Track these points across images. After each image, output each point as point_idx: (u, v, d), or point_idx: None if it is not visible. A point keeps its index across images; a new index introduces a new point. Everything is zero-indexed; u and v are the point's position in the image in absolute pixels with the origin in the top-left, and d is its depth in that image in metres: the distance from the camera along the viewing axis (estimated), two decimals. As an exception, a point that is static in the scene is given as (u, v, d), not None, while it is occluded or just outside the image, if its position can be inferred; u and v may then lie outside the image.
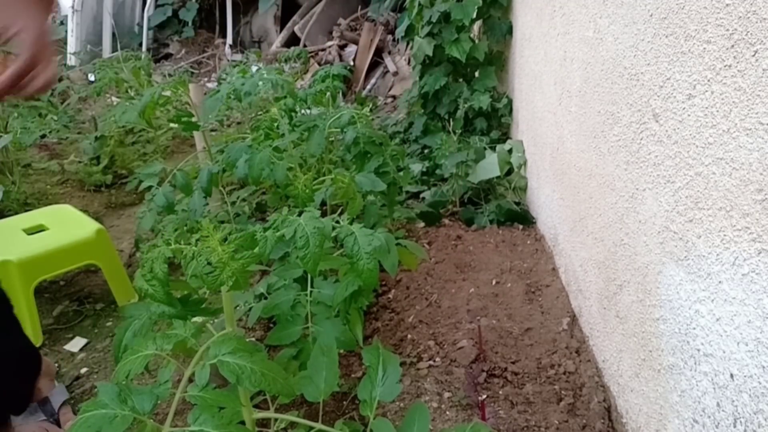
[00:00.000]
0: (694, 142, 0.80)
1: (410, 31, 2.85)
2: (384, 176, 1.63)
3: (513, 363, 1.29)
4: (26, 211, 2.02)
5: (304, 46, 4.73)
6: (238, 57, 5.26)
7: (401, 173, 1.75)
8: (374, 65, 4.21)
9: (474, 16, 2.54)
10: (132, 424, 0.70)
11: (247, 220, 1.99)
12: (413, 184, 2.29)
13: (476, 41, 2.64)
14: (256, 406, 1.10)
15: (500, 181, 2.19)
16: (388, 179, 1.64)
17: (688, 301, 0.82)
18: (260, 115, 2.74)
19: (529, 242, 1.86)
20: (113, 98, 3.87)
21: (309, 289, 1.16)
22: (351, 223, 0.91)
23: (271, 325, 1.39)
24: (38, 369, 1.24)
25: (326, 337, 1.02)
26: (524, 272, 1.68)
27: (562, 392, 1.21)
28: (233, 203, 2.06)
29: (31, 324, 1.58)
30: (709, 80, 0.76)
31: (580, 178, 1.40)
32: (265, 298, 1.19)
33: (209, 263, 0.77)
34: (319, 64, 4.40)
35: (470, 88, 2.66)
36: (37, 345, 1.59)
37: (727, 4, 0.71)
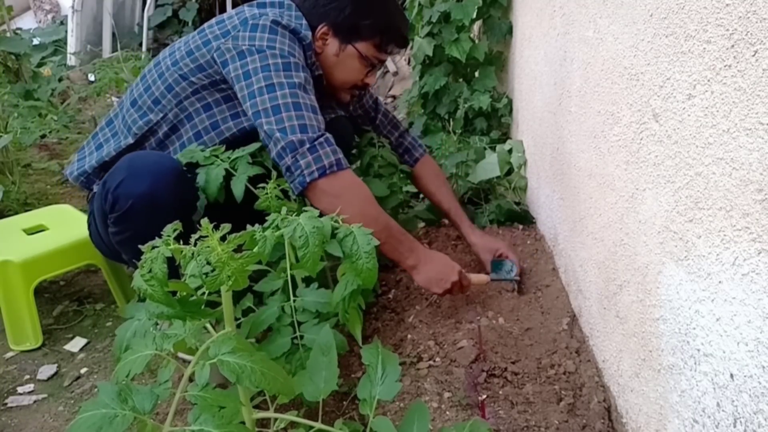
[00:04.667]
0: (694, 142, 0.80)
1: (410, 31, 2.85)
2: (392, 196, 1.68)
3: (513, 363, 1.29)
4: (26, 211, 2.02)
5: (304, 46, 4.72)
6: (238, 57, 5.25)
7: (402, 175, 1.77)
8: (374, 65, 4.20)
9: (474, 16, 2.54)
10: (132, 424, 0.70)
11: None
12: (404, 180, 2.28)
13: (476, 41, 2.64)
14: (255, 407, 1.10)
15: (500, 181, 2.18)
16: (396, 200, 1.71)
17: (688, 301, 0.82)
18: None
19: (529, 242, 1.86)
20: (113, 98, 3.86)
21: (292, 298, 1.14)
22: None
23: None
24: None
25: (325, 335, 1.01)
26: (524, 272, 1.68)
27: (562, 392, 1.21)
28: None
29: (31, 324, 1.58)
30: (709, 80, 0.76)
31: (580, 178, 1.40)
32: (253, 310, 1.18)
33: (208, 263, 0.77)
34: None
35: (470, 88, 2.66)
36: (37, 345, 1.59)
37: (727, 4, 0.71)
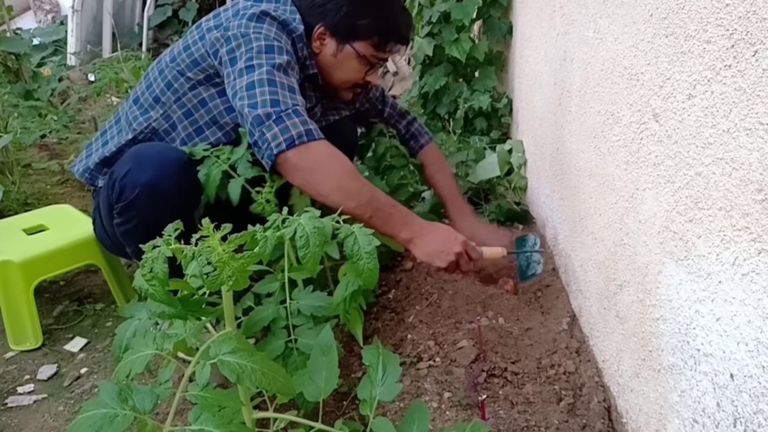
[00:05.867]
0: (694, 142, 0.80)
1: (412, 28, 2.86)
2: (402, 188, 1.68)
3: (513, 363, 1.29)
4: (26, 211, 2.02)
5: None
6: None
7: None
8: (374, 65, 4.19)
9: (474, 16, 2.54)
10: (132, 424, 0.70)
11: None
12: (414, 173, 2.29)
13: (476, 41, 2.64)
14: (255, 407, 1.10)
15: (500, 181, 2.19)
16: (406, 193, 1.72)
17: (688, 301, 0.82)
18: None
19: (529, 242, 1.86)
20: (113, 98, 3.86)
21: (288, 301, 1.13)
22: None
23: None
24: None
25: (325, 335, 1.01)
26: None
27: (562, 392, 1.21)
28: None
29: (31, 324, 1.58)
30: (709, 80, 0.76)
31: (580, 178, 1.40)
32: (253, 310, 1.17)
33: (209, 263, 0.77)
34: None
35: (470, 88, 2.67)
36: (37, 345, 1.59)
37: (727, 4, 0.71)
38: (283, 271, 1.16)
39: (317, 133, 1.24)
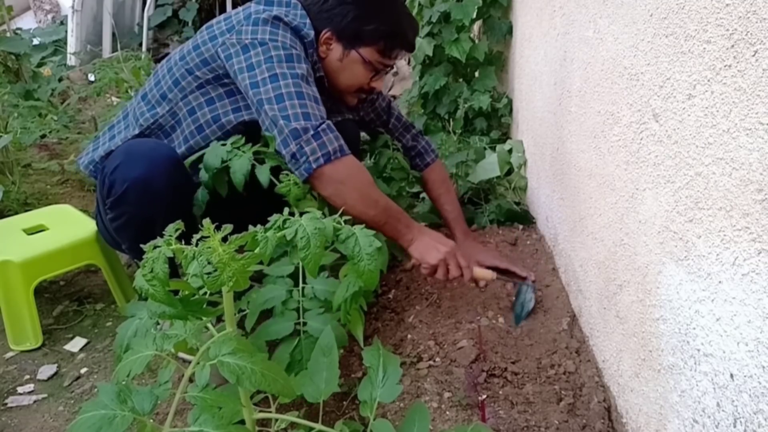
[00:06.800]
0: (694, 142, 0.80)
1: (418, 34, 2.86)
2: (400, 199, 1.73)
3: (513, 363, 1.29)
4: (26, 211, 2.01)
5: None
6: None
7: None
8: (374, 65, 4.19)
9: (474, 16, 2.54)
10: (132, 425, 0.70)
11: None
12: (412, 184, 2.29)
13: (476, 41, 2.64)
14: (256, 404, 1.10)
15: (500, 181, 2.19)
16: (405, 203, 1.78)
17: (688, 301, 0.82)
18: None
19: (529, 242, 1.87)
20: (113, 98, 3.86)
21: (301, 284, 1.16)
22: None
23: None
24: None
25: (326, 336, 1.01)
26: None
27: (562, 392, 1.21)
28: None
29: (31, 324, 1.58)
30: (709, 80, 0.76)
31: (580, 178, 1.40)
32: None
33: (210, 263, 0.77)
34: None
35: (470, 88, 2.67)
36: (37, 345, 1.59)
37: (727, 4, 0.71)
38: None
39: (346, 148, 1.32)
